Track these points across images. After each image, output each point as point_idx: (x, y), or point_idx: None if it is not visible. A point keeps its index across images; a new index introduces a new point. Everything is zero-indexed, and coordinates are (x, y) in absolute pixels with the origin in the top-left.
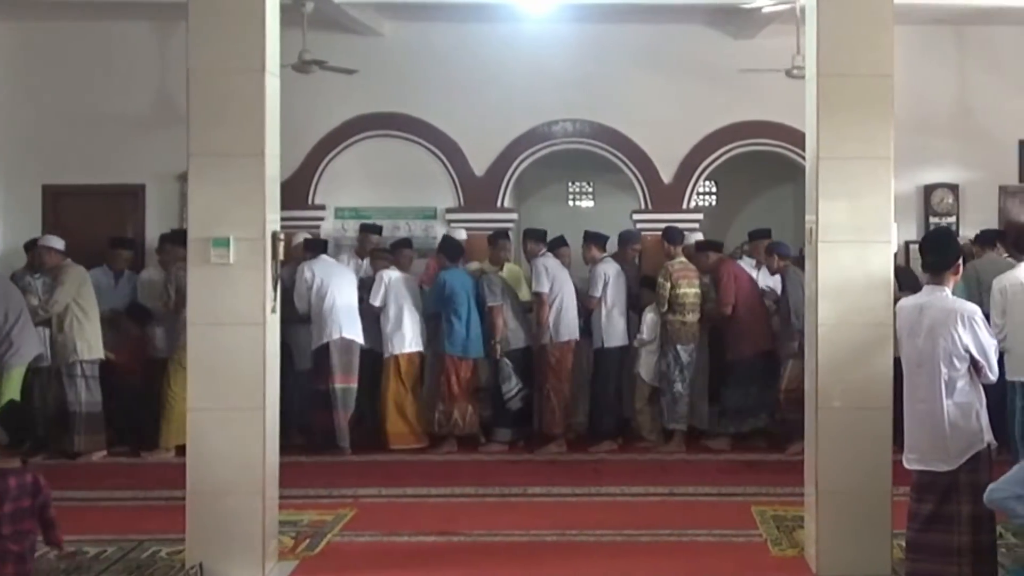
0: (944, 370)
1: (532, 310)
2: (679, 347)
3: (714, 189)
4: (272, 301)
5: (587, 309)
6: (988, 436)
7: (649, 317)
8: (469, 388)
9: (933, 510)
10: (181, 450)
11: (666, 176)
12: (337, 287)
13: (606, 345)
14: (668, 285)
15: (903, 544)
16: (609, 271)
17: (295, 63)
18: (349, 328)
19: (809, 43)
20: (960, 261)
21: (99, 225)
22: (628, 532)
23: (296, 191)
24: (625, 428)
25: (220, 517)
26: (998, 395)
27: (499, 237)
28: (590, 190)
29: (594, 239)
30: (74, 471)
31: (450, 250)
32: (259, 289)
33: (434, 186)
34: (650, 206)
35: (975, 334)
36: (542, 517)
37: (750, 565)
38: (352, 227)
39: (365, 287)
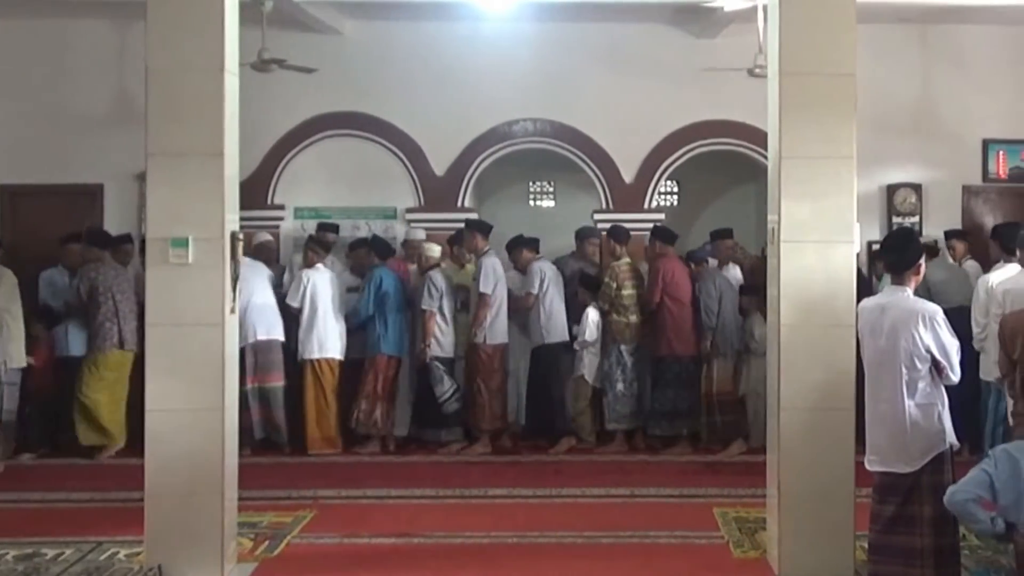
0: (905, 371)
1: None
2: (623, 347)
3: (676, 189)
4: (231, 302)
5: (524, 307)
6: (950, 437)
7: (591, 317)
8: (392, 388)
9: (895, 512)
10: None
11: (627, 176)
12: (252, 288)
13: (546, 341)
14: (614, 285)
15: (866, 546)
16: (546, 268)
17: (254, 62)
18: (266, 329)
19: (771, 42)
20: (922, 261)
21: (57, 225)
22: (589, 534)
23: (255, 191)
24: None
25: (179, 518)
26: (972, 395)
27: (460, 237)
28: (551, 190)
29: (525, 243)
30: (32, 473)
31: (380, 249)
32: (218, 289)
33: (394, 186)
34: (611, 206)
35: (936, 334)
36: (503, 519)
37: (712, 567)
38: (312, 227)
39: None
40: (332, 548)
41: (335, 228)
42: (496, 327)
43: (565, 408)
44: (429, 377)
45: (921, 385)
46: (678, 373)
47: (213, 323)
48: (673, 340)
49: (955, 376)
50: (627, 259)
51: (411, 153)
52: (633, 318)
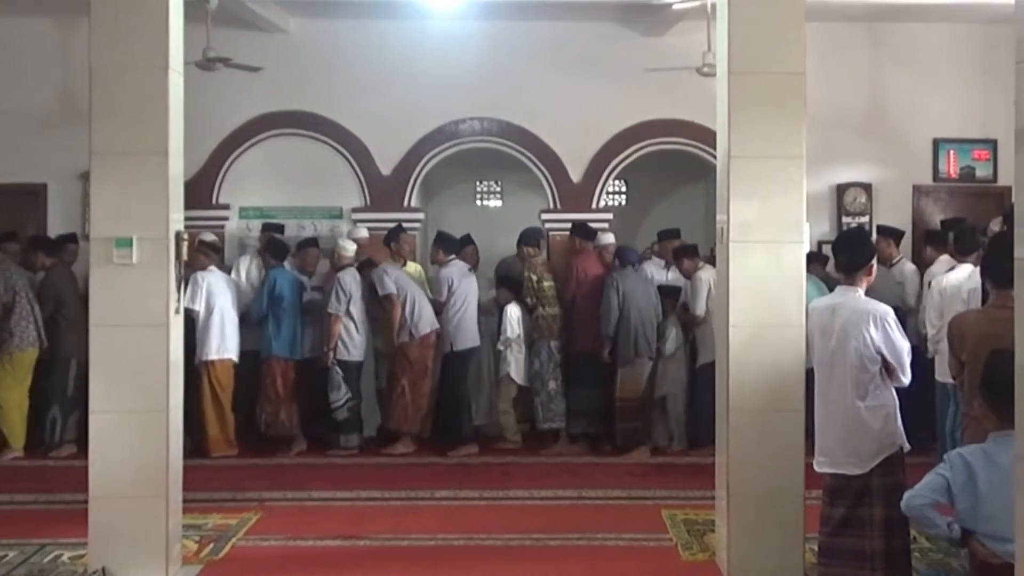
0: (856, 372)
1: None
2: (552, 343)
3: (624, 188)
4: (176, 302)
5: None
6: (901, 439)
7: (512, 314)
8: (295, 390)
9: (845, 514)
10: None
11: (575, 175)
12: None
13: (455, 348)
14: (534, 278)
15: (816, 548)
16: (454, 273)
17: (199, 60)
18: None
19: (720, 40)
20: (874, 262)
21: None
22: (537, 536)
23: (200, 190)
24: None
25: (123, 521)
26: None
27: (396, 233)
28: (498, 189)
29: (440, 242)
30: None
31: (276, 250)
32: (163, 289)
33: (340, 185)
34: (559, 205)
35: (887, 335)
36: (449, 521)
37: (660, 569)
38: (257, 227)
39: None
40: (278, 550)
41: (281, 228)
42: (421, 322)
43: (470, 415)
44: (327, 381)
45: (872, 386)
46: (592, 372)
47: (158, 324)
48: (587, 338)
49: (906, 378)
50: (542, 256)
51: (357, 152)
52: (556, 310)
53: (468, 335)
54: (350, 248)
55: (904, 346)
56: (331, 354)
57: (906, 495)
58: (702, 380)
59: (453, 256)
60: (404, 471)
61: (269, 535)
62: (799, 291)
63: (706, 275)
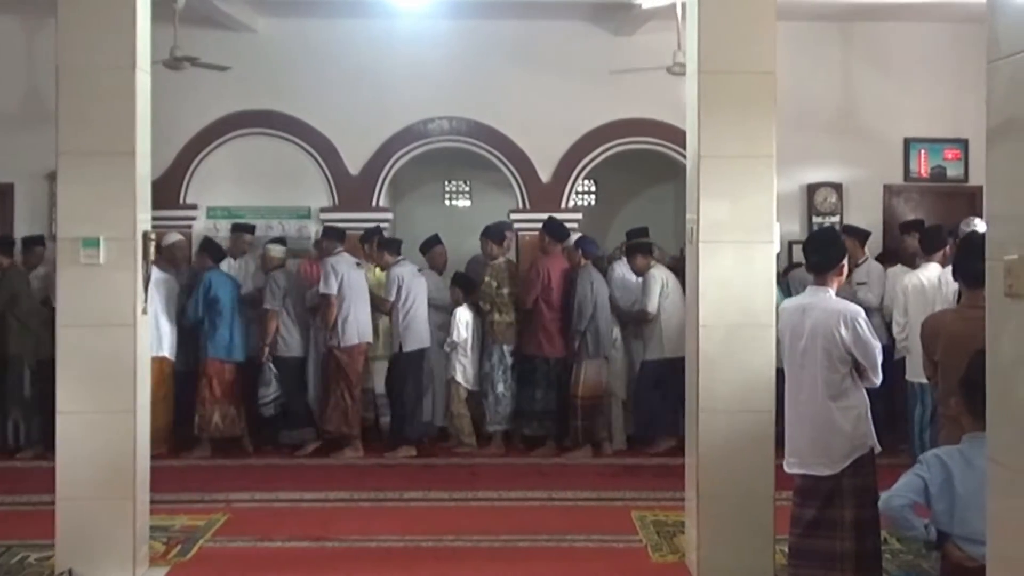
0: (826, 372)
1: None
2: (505, 347)
3: (593, 188)
4: (143, 302)
5: (383, 312)
6: (872, 440)
7: (461, 317)
8: (232, 391)
9: (816, 515)
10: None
11: (544, 175)
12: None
13: (404, 349)
14: (495, 284)
15: (786, 550)
16: (404, 273)
17: (166, 60)
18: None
19: (690, 39)
20: (845, 262)
21: None
22: (506, 537)
23: (167, 190)
24: (429, 432)
25: (90, 522)
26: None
27: (371, 235)
28: (467, 189)
29: (386, 245)
30: None
31: (212, 251)
32: (130, 290)
33: (308, 185)
34: (528, 205)
35: (858, 335)
36: (418, 522)
37: (630, 571)
38: (225, 227)
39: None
40: (245, 552)
41: (250, 228)
42: (348, 326)
43: (417, 417)
44: (259, 376)
45: (843, 387)
46: (546, 373)
47: (125, 324)
48: (543, 342)
49: (876, 379)
50: (504, 258)
51: (325, 152)
52: (511, 317)
53: (417, 336)
54: (278, 251)
55: (875, 346)
56: (267, 350)
57: (884, 496)
58: (644, 377)
59: (402, 257)
60: (372, 472)
61: (237, 536)
62: (769, 291)
63: (659, 273)
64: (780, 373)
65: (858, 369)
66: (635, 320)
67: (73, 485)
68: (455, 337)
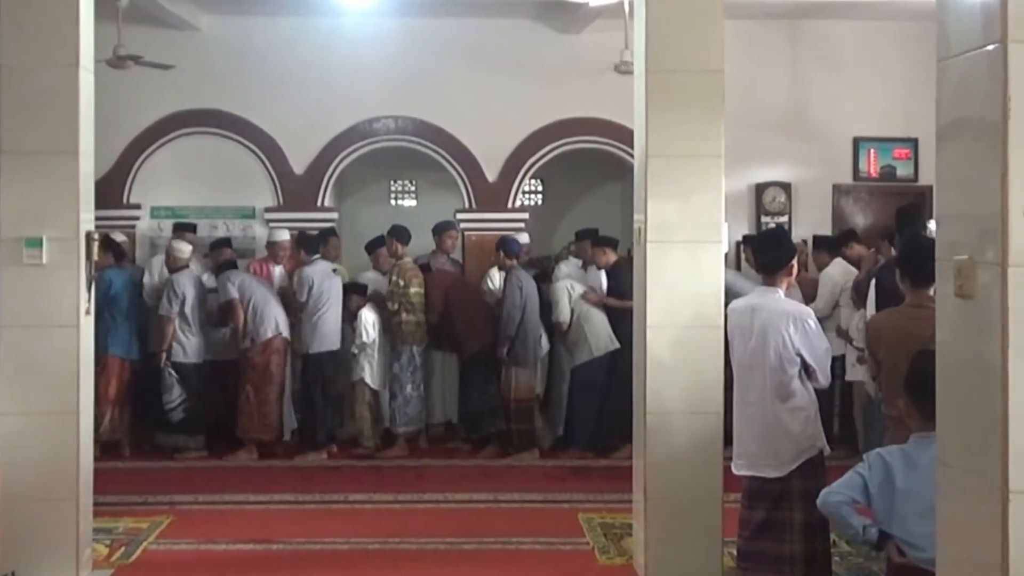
0: (775, 373)
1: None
2: (414, 348)
3: (540, 188)
4: (87, 302)
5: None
6: (821, 442)
7: (367, 318)
8: (125, 392)
9: (764, 517)
10: None
11: (491, 174)
12: None
13: (311, 351)
14: (401, 283)
15: (734, 552)
16: (316, 274)
17: (110, 58)
18: None
19: (638, 38)
20: (795, 262)
21: None
22: (452, 540)
23: (111, 190)
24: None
25: (33, 524)
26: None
27: (326, 236)
28: (413, 189)
29: (303, 243)
30: None
31: (113, 249)
32: (73, 290)
33: (252, 185)
34: (474, 205)
35: (807, 337)
36: (364, 525)
37: (577, 574)
38: (168, 227)
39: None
40: (189, 554)
41: (191, 227)
42: (263, 326)
43: (327, 419)
44: (160, 383)
45: (791, 388)
46: (472, 374)
47: (68, 325)
48: (466, 343)
49: (825, 380)
50: (409, 258)
51: (270, 151)
52: (422, 317)
53: (326, 338)
54: (185, 250)
55: (824, 347)
56: (163, 355)
57: (823, 492)
58: (577, 381)
59: (317, 256)
60: (317, 474)
61: (180, 539)
62: (717, 292)
63: (563, 282)
64: (729, 373)
65: (807, 370)
66: (556, 330)
67: (15, 487)
68: (364, 339)
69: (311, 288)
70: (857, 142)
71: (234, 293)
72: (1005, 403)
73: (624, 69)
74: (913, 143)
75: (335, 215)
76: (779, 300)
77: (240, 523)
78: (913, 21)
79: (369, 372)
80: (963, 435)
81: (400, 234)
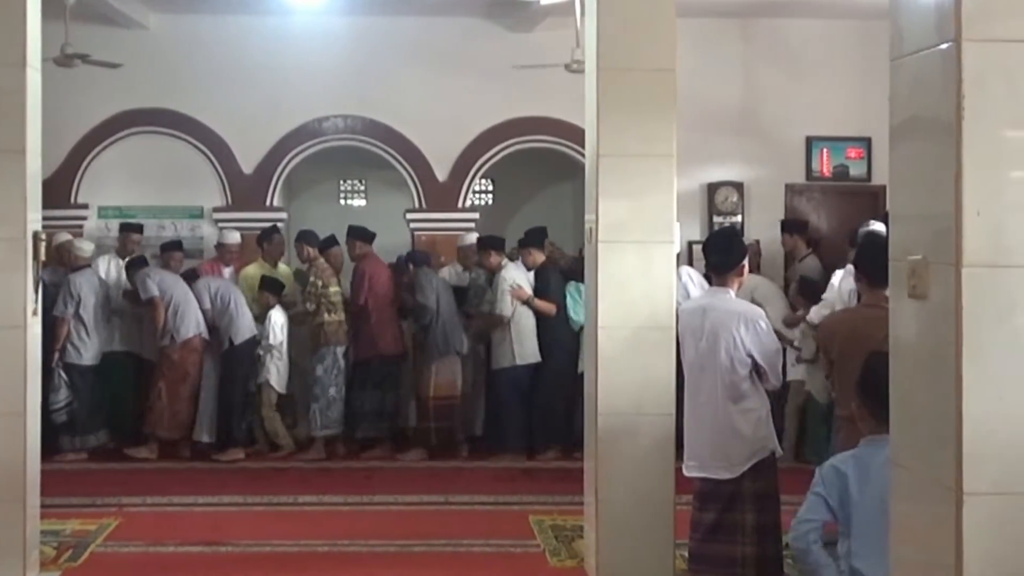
0: (726, 374)
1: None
2: (337, 350)
3: (491, 187)
4: (34, 303)
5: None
6: (773, 443)
7: (276, 319)
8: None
9: (716, 519)
10: None
11: (441, 174)
12: None
13: (235, 342)
14: (320, 283)
15: (686, 554)
16: (216, 280)
17: (57, 57)
18: None
19: (589, 36)
20: (746, 262)
21: None
22: (401, 542)
23: (58, 190)
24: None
25: None
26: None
27: (270, 234)
28: (362, 188)
29: (168, 247)
30: None
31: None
32: (20, 291)
33: (201, 184)
34: (424, 205)
35: (758, 337)
36: (313, 526)
37: None
38: (116, 227)
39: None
40: (137, 557)
41: (138, 228)
42: (183, 325)
43: (244, 417)
44: (48, 383)
45: (743, 389)
46: (383, 374)
47: (14, 326)
48: (379, 341)
49: (776, 381)
50: (321, 259)
51: (218, 151)
52: (343, 316)
53: (244, 327)
54: (86, 248)
55: (775, 348)
56: (55, 355)
57: (793, 524)
58: (499, 384)
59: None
60: (266, 476)
61: (128, 541)
62: (669, 292)
63: (510, 274)
64: (680, 374)
65: (758, 371)
66: (489, 324)
67: None
68: (271, 340)
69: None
70: (810, 141)
71: (155, 291)
72: (959, 404)
73: (575, 68)
74: (866, 142)
75: (284, 215)
76: (730, 300)
77: (189, 525)
78: (866, 20)
79: (275, 375)
80: (917, 436)
81: (309, 238)
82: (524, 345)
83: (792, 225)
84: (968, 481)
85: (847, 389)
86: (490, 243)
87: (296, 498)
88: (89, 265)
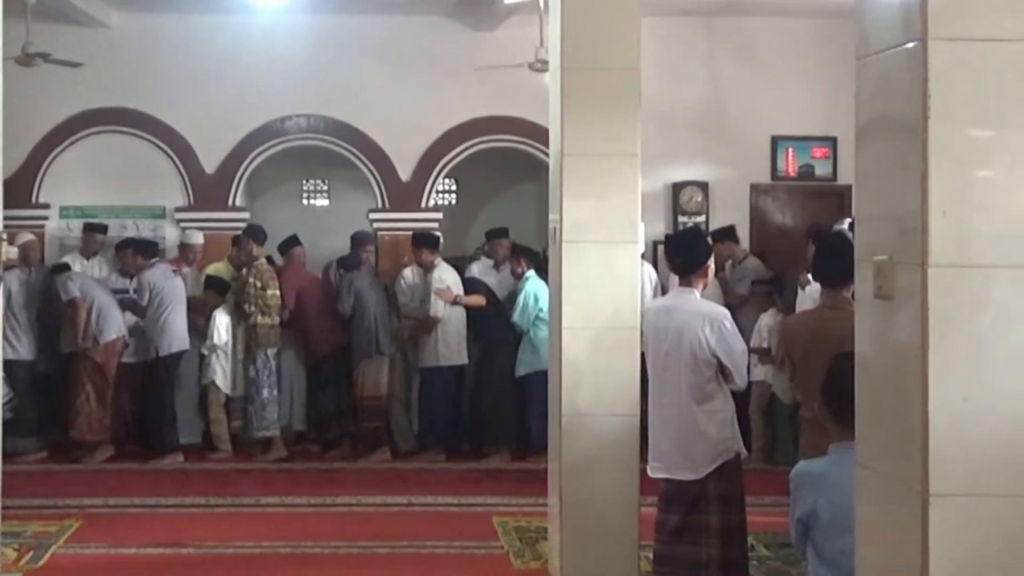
0: (691, 375)
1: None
2: (268, 351)
3: (454, 187)
4: None
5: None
6: (738, 445)
7: (220, 320)
8: None
9: (681, 521)
10: None
11: (404, 174)
12: None
13: (160, 353)
14: (258, 285)
15: (651, 556)
16: (156, 277)
17: (18, 56)
18: None
19: (553, 35)
20: (711, 263)
21: None
22: (364, 544)
23: (19, 189)
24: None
25: None
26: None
27: (245, 241)
28: (325, 188)
29: (139, 249)
30: None
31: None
32: None
33: (163, 184)
34: (388, 205)
35: (723, 338)
36: (275, 528)
37: None
38: (78, 227)
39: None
40: (99, 558)
41: (102, 228)
42: (109, 327)
43: (176, 422)
44: None
45: (708, 390)
46: (339, 374)
47: None
48: (317, 344)
49: (742, 382)
50: (264, 259)
51: (180, 150)
52: (277, 319)
53: (175, 339)
54: (12, 251)
55: (740, 349)
56: None
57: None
58: (425, 383)
59: (155, 259)
60: (228, 477)
61: (90, 543)
62: (634, 292)
63: (447, 275)
64: (644, 375)
65: (723, 372)
66: (423, 325)
67: None
68: (215, 340)
69: (152, 290)
70: (775, 141)
71: (76, 292)
72: (925, 405)
73: (539, 67)
74: (832, 142)
75: (247, 215)
76: (694, 301)
77: (151, 527)
78: (832, 18)
79: (221, 375)
80: (883, 437)
81: (256, 234)
82: (450, 346)
83: (718, 234)
84: (935, 482)
85: (810, 391)
86: (423, 240)
87: (258, 499)
88: (15, 266)
